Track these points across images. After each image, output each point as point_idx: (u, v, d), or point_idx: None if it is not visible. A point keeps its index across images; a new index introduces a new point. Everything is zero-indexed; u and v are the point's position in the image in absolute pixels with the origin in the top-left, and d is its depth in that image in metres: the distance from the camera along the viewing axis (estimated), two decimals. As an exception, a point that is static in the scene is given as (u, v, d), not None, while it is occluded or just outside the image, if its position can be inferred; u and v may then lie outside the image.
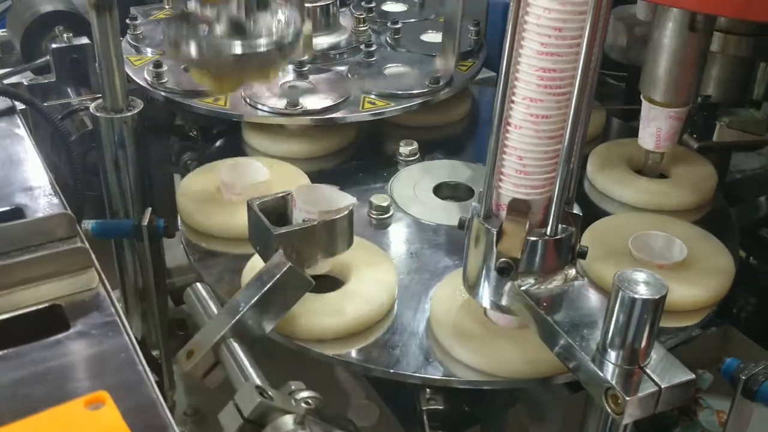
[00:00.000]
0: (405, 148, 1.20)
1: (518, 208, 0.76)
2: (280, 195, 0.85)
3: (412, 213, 1.07)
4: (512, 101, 0.72)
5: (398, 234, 1.04)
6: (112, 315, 0.68)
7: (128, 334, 0.66)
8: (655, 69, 1.01)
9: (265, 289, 0.78)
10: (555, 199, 0.74)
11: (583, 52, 0.67)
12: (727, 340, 1.17)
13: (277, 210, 0.84)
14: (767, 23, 1.07)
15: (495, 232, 0.76)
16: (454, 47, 1.10)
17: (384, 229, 1.05)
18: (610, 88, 1.48)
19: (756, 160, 1.39)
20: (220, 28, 0.87)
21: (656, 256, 0.92)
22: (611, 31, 1.33)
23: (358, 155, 1.22)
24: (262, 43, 0.88)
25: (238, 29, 0.87)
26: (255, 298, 0.77)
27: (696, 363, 1.11)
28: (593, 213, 1.06)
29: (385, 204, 1.05)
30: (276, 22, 0.90)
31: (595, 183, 1.13)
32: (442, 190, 1.13)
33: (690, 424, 1.04)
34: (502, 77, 0.71)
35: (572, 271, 0.78)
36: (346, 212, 0.83)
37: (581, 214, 0.79)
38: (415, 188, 1.12)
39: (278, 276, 0.78)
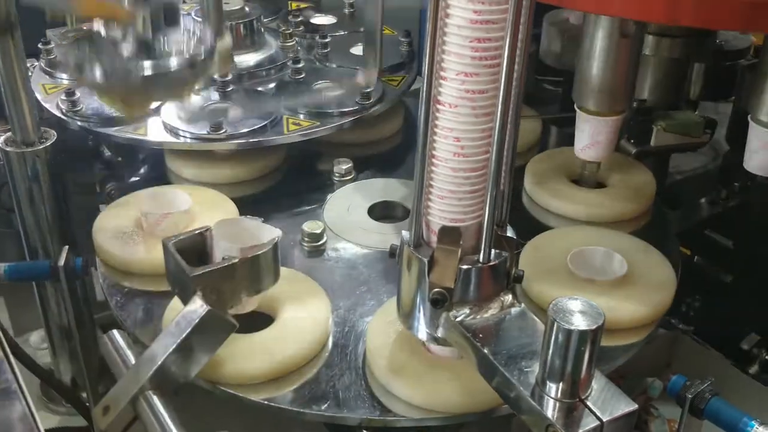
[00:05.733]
0: (339, 167, 1.16)
1: (449, 235, 0.73)
2: (198, 231, 0.79)
3: (347, 237, 1.03)
4: (443, 78, 0.67)
5: (332, 262, 0.99)
6: (7, 381, 0.62)
7: (27, 402, 0.60)
8: (588, 78, 0.99)
9: (184, 335, 0.72)
10: (486, 222, 0.70)
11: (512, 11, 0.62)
12: (677, 344, 1.15)
13: (196, 248, 0.79)
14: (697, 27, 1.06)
15: (426, 262, 0.72)
16: (376, 57, 1.06)
17: (318, 257, 1.00)
18: (547, 94, 1.46)
19: (696, 160, 1.38)
20: (126, 49, 0.81)
21: (596, 273, 0.90)
22: (545, 37, 1.31)
23: (289, 177, 1.17)
24: (172, 63, 0.83)
25: (145, 49, 0.82)
26: (173, 346, 0.72)
27: (645, 369, 1.10)
28: (532, 227, 1.03)
29: (317, 231, 1.01)
30: (186, 39, 0.84)
31: (532, 195, 1.10)
32: (378, 211, 1.09)
33: (642, 436, 1.03)
34: (427, 55, 0.66)
35: (509, 297, 0.75)
36: (269, 247, 0.78)
37: (515, 236, 0.76)
38: (349, 210, 1.08)
39: (197, 321, 0.72)
